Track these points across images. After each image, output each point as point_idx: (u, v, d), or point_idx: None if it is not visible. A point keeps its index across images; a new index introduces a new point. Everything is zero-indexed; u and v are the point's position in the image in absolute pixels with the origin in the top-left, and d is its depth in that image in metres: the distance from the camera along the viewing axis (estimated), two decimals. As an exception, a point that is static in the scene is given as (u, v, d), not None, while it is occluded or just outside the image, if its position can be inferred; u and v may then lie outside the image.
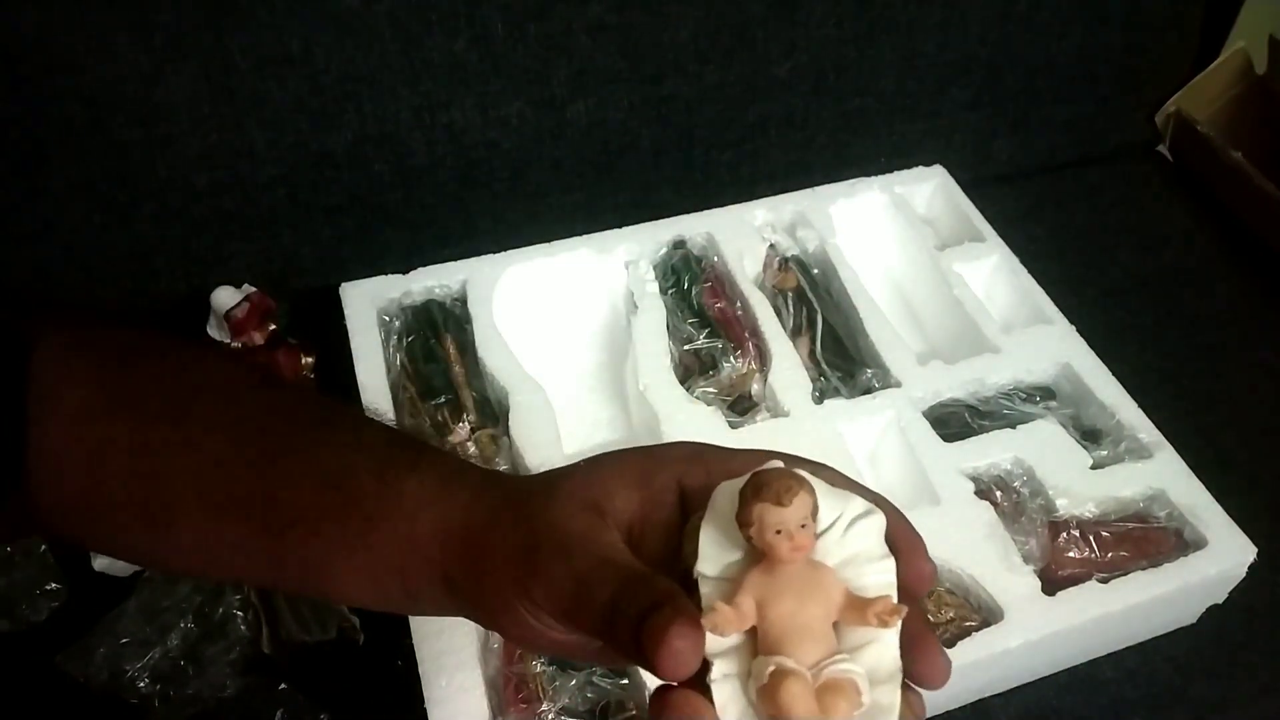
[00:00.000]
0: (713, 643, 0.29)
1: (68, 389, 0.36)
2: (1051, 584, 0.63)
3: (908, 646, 0.30)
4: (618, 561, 0.31)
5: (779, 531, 0.29)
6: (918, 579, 0.32)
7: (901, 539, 0.32)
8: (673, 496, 0.33)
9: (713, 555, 0.31)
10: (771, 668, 0.28)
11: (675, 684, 0.29)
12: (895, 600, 0.30)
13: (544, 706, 0.58)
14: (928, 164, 0.89)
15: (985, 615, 0.62)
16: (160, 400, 0.37)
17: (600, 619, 0.30)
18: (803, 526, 0.29)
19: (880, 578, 0.31)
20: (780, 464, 0.32)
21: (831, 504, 0.31)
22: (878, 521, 0.32)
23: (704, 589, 0.30)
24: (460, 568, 0.33)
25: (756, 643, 0.30)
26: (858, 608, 0.30)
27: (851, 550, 0.31)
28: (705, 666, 0.29)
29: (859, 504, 0.32)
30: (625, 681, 0.59)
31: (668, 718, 0.28)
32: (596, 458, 0.34)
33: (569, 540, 0.31)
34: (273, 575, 0.38)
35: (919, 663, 0.30)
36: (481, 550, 0.33)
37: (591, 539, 0.31)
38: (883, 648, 0.30)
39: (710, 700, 0.29)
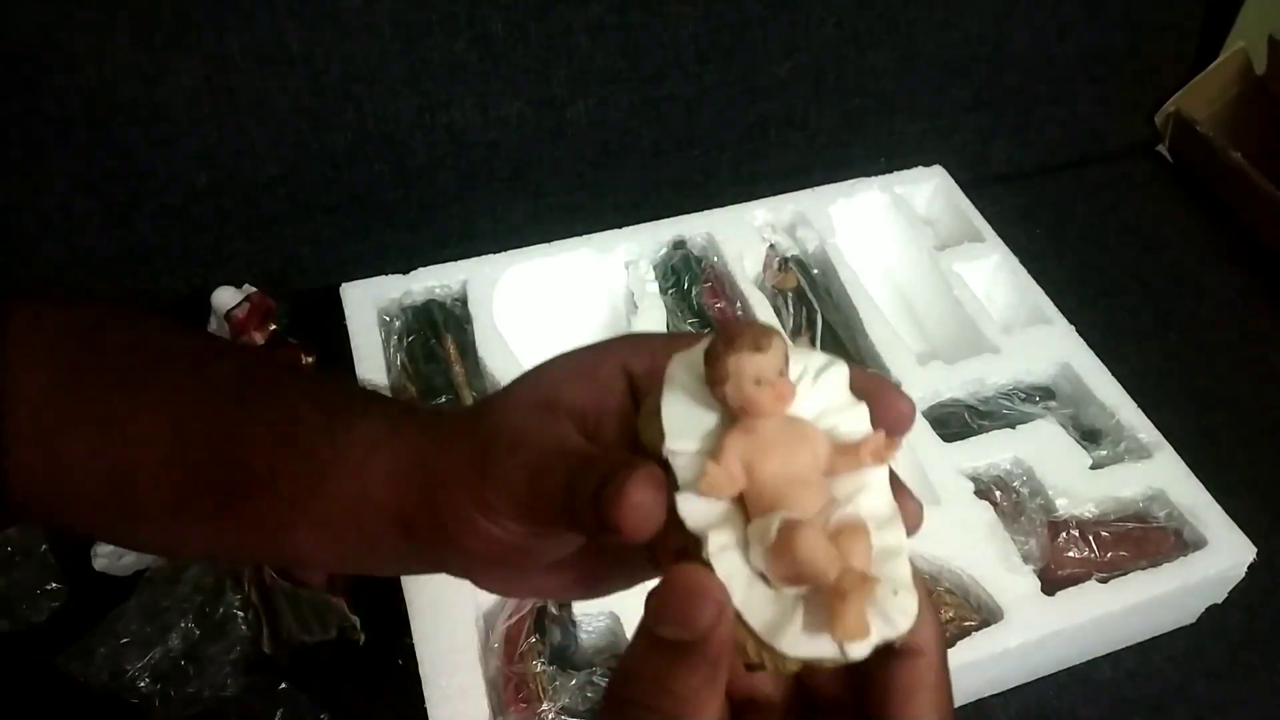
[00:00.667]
0: (698, 515, 0.27)
1: (31, 367, 0.36)
2: (1051, 584, 0.63)
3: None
4: (570, 447, 0.30)
5: (759, 382, 0.27)
6: (896, 419, 0.31)
7: (868, 384, 0.31)
8: (621, 383, 0.32)
9: (680, 429, 0.29)
10: (777, 523, 0.26)
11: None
12: None
13: (544, 706, 0.58)
14: (927, 164, 0.89)
15: (985, 615, 0.62)
16: (122, 370, 0.37)
17: (558, 502, 0.29)
18: (780, 374, 0.27)
19: (857, 425, 0.29)
20: None
21: (795, 358, 0.30)
22: (842, 371, 0.30)
23: (679, 463, 0.28)
24: (414, 502, 0.33)
25: (747, 509, 0.28)
26: (848, 452, 0.28)
27: (823, 401, 0.30)
28: (698, 544, 0.27)
29: (820, 356, 0.30)
30: (625, 681, 0.59)
31: (669, 598, 0.26)
32: (542, 362, 0.33)
33: (520, 437, 0.31)
34: (237, 543, 0.38)
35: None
36: (433, 477, 0.32)
37: (543, 432, 0.31)
38: (876, 493, 0.28)
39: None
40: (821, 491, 0.28)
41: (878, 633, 0.26)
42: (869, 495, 0.28)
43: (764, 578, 0.27)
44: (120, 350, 0.38)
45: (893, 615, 0.27)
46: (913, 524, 0.30)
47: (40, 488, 0.37)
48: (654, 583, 0.27)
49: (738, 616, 0.26)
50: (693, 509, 0.27)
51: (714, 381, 0.28)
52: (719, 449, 0.28)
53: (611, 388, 0.32)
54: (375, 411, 0.35)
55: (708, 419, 0.29)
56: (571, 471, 0.29)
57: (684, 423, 0.29)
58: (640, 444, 0.30)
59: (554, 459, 0.30)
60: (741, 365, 0.27)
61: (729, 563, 0.27)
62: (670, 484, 0.28)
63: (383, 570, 0.39)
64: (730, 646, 0.27)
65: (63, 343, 0.37)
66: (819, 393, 0.30)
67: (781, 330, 0.29)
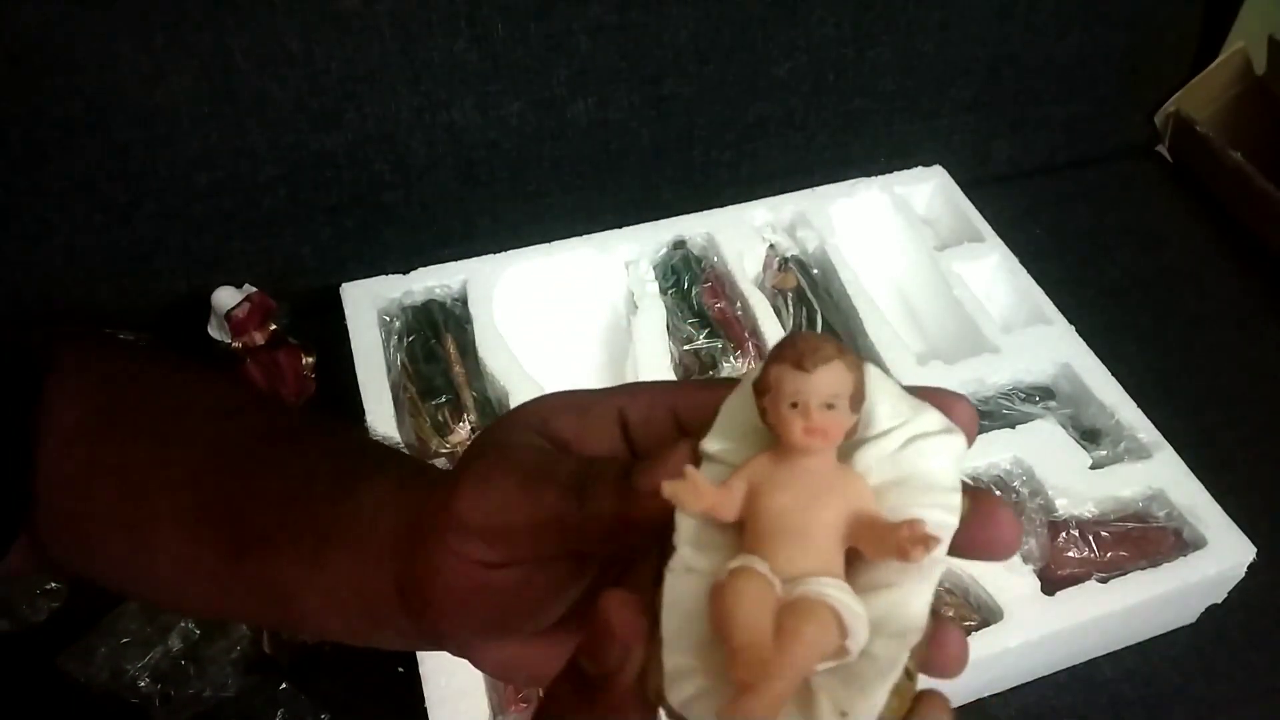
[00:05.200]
0: (689, 528, 0.24)
1: (67, 410, 0.37)
2: (1051, 584, 0.63)
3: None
4: (565, 454, 0.29)
5: (795, 405, 0.23)
6: (989, 543, 0.24)
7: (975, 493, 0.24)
8: (613, 426, 0.30)
9: (727, 432, 0.25)
10: (735, 564, 0.22)
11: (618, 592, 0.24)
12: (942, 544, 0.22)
13: (544, 706, 0.58)
14: (927, 164, 0.89)
15: (984, 615, 0.62)
16: (147, 422, 0.38)
17: (566, 489, 0.26)
18: (830, 407, 0.23)
19: (935, 514, 0.23)
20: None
21: (898, 408, 0.24)
22: (955, 444, 0.24)
23: (706, 465, 0.25)
24: (407, 559, 0.31)
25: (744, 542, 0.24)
26: (878, 532, 0.22)
27: (907, 471, 0.24)
28: (667, 554, 0.24)
29: (936, 418, 0.24)
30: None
31: (590, 625, 0.23)
32: (537, 396, 0.32)
33: (509, 445, 0.29)
34: (243, 605, 0.37)
35: (935, 646, 0.23)
36: (421, 528, 0.30)
37: (535, 444, 0.29)
38: (906, 596, 0.23)
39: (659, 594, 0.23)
40: (818, 557, 0.23)
41: None
42: (894, 595, 0.23)
43: None
44: (149, 400, 0.38)
45: None
46: (951, 668, 0.24)
47: (63, 530, 0.37)
48: None
49: (660, 647, 0.23)
50: (689, 519, 0.24)
51: (757, 390, 0.24)
52: (741, 465, 0.24)
53: (602, 427, 0.30)
54: (388, 470, 0.34)
55: (758, 434, 0.25)
56: (579, 463, 0.27)
57: (734, 429, 0.25)
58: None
59: (552, 458, 0.28)
60: (781, 380, 0.23)
61: (680, 589, 0.23)
62: None
63: (390, 644, 0.37)
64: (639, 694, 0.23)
65: (101, 388, 0.38)
66: (910, 459, 0.24)
67: (870, 368, 0.25)
